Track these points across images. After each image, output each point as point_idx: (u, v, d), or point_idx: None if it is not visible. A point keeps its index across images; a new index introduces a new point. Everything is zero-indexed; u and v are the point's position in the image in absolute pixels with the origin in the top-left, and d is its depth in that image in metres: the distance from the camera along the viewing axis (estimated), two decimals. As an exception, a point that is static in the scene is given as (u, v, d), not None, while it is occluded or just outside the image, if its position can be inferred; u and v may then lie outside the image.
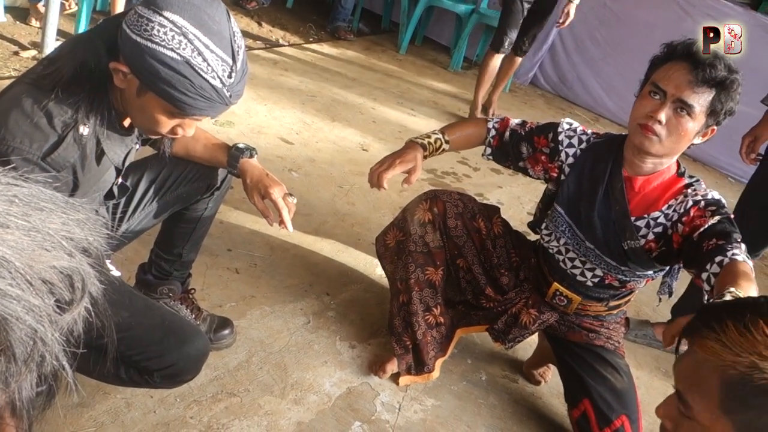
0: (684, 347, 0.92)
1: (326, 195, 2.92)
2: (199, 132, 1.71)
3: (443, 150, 1.88)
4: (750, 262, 1.43)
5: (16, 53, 3.41)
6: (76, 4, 3.86)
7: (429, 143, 1.84)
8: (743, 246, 1.49)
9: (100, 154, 1.33)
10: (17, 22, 3.75)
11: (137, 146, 1.52)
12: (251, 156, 1.68)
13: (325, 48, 4.89)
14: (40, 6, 3.71)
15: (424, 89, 4.60)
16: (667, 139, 1.59)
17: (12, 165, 1.15)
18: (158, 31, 1.16)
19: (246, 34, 4.66)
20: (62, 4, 3.35)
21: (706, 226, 1.56)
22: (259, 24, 4.91)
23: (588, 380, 1.85)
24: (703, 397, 0.83)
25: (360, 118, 3.80)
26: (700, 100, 1.54)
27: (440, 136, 1.87)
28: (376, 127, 3.75)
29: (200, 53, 1.18)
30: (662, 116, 1.56)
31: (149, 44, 1.16)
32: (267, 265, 2.37)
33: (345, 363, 2.05)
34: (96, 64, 1.24)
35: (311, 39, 5.02)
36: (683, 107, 1.55)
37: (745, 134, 2.44)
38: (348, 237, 2.67)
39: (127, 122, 1.38)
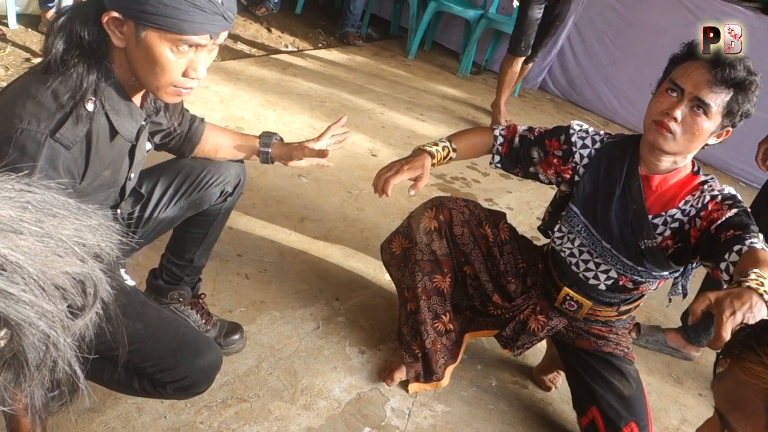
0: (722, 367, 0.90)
1: (336, 200, 2.92)
2: (226, 130, 1.79)
3: (450, 158, 1.87)
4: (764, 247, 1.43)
5: (27, 60, 3.44)
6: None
7: (437, 151, 1.83)
8: (761, 236, 1.48)
9: (112, 132, 1.33)
10: (29, 30, 3.78)
11: (149, 145, 1.53)
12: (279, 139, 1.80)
13: (334, 53, 4.90)
14: (52, 12, 3.74)
15: (433, 94, 4.61)
16: (681, 136, 1.58)
17: (24, 146, 1.16)
18: None
19: (255, 40, 4.68)
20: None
21: (724, 218, 1.56)
22: (269, 30, 4.93)
23: (596, 387, 1.84)
24: (749, 419, 0.81)
25: (369, 124, 3.80)
26: (717, 99, 1.53)
27: (448, 144, 1.86)
28: (385, 133, 3.76)
29: None
30: (678, 113, 1.55)
31: None
32: (277, 270, 2.37)
33: (355, 368, 2.05)
34: (86, 29, 1.23)
35: (320, 45, 5.03)
36: (700, 106, 1.54)
37: (762, 141, 2.41)
38: (357, 242, 2.68)
39: (136, 100, 1.38)
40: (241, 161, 1.81)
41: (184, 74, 1.29)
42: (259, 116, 3.49)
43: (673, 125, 1.57)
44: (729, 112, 1.55)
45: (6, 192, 0.53)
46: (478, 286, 1.98)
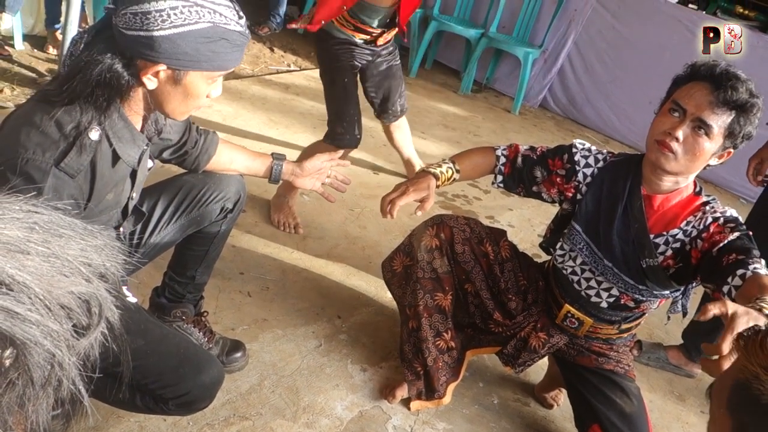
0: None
1: (338, 218, 2.93)
2: (237, 145, 1.85)
3: (454, 179, 1.89)
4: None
5: (33, 81, 3.47)
6: (92, 31, 3.93)
7: (441, 172, 1.85)
8: (763, 261, 1.49)
9: (114, 158, 1.36)
10: (35, 50, 3.82)
11: (151, 163, 1.55)
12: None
13: (336, 72, 4.93)
14: (58, 34, 3.78)
15: (434, 112, 4.63)
16: (683, 157, 1.59)
17: (29, 176, 1.18)
18: (174, 14, 1.19)
19: (258, 60, 4.72)
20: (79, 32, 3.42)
21: (726, 241, 1.56)
22: (271, 50, 4.97)
23: (597, 405, 1.83)
24: (720, 392, 0.88)
25: (371, 141, 3.82)
26: (719, 121, 1.54)
27: (451, 165, 1.88)
28: (386, 150, 3.77)
29: (215, 11, 1.23)
30: (680, 133, 1.57)
31: (175, 30, 1.20)
32: (279, 288, 2.38)
33: (356, 386, 2.05)
34: (117, 77, 1.25)
35: (322, 64, 5.07)
36: (702, 126, 1.55)
37: (752, 156, 2.44)
38: (359, 260, 2.68)
39: (138, 125, 1.40)
40: (241, 178, 1.83)
41: (207, 96, 1.37)
42: (262, 135, 3.51)
43: (674, 145, 1.58)
44: (730, 134, 1.56)
45: (14, 213, 0.54)
46: (479, 304, 1.99)
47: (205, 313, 1.98)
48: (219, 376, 1.52)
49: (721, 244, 1.56)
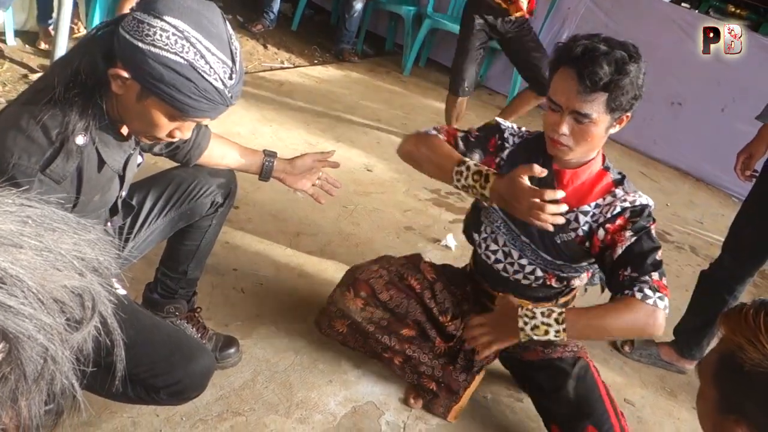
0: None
1: (331, 215, 2.93)
2: (229, 140, 1.83)
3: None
4: (648, 303, 1.51)
5: (25, 76, 3.45)
6: (85, 27, 3.92)
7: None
8: (655, 275, 1.54)
9: (100, 163, 1.35)
10: (26, 46, 3.80)
11: (140, 159, 1.54)
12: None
13: (330, 70, 4.93)
14: (50, 30, 3.76)
15: (428, 110, 4.64)
16: (577, 145, 1.61)
17: (14, 181, 1.18)
18: (161, 35, 1.18)
19: (251, 57, 4.71)
20: (71, 28, 3.40)
21: (624, 248, 1.59)
22: (265, 47, 4.96)
23: (547, 404, 1.85)
24: (706, 367, 0.94)
25: (364, 139, 3.82)
26: (594, 106, 1.53)
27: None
28: (380, 148, 3.78)
29: (203, 56, 1.21)
30: (564, 128, 1.58)
31: (152, 49, 1.18)
32: (272, 284, 2.38)
33: (350, 382, 2.06)
34: (91, 70, 1.25)
35: (316, 61, 5.07)
36: (580, 116, 1.55)
37: (740, 151, 2.44)
38: (353, 257, 2.68)
39: (124, 130, 1.39)
40: (232, 172, 1.83)
41: (170, 135, 1.34)
42: (255, 132, 3.51)
43: (564, 140, 1.60)
44: (613, 109, 1.55)
45: (6, 206, 0.54)
46: (423, 337, 1.97)
47: (199, 309, 1.98)
48: (210, 365, 1.52)
49: (619, 252, 1.59)
